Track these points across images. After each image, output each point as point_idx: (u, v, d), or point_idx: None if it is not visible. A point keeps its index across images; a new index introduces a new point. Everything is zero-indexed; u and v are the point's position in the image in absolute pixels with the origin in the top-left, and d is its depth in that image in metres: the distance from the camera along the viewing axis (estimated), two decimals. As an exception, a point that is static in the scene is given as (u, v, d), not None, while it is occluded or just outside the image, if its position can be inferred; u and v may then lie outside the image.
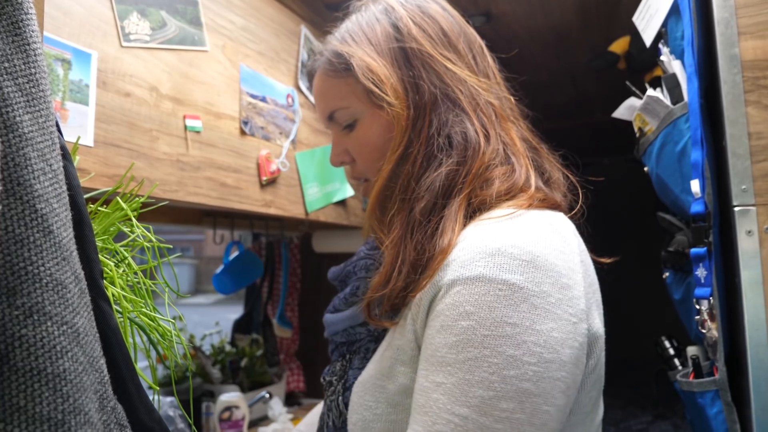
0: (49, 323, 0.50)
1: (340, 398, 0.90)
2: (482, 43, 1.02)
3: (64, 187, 0.58)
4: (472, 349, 0.70)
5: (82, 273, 0.58)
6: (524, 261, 0.74)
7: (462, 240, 0.79)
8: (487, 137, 0.91)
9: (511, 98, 1.02)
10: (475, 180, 0.86)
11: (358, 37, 0.97)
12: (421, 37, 0.94)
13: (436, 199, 0.85)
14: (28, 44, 0.56)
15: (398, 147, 0.91)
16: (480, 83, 0.95)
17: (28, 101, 0.54)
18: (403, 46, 0.94)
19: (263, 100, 1.68)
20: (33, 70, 0.56)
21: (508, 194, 0.85)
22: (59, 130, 0.62)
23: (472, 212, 0.85)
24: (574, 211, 0.91)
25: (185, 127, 1.40)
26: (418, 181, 0.88)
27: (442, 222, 0.83)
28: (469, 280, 0.73)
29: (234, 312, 3.29)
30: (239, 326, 2.81)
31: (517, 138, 0.95)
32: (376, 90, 0.91)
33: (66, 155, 0.62)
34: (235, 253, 2.40)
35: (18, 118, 0.52)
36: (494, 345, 0.69)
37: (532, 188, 0.87)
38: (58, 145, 0.58)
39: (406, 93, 0.92)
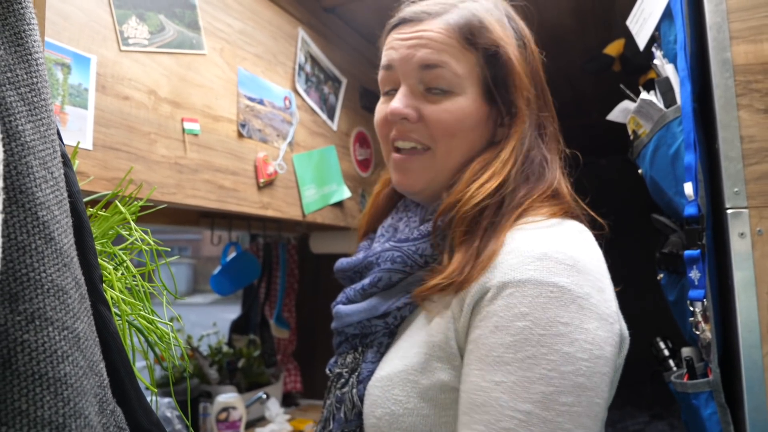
0: (50, 328, 0.51)
1: (354, 391, 0.91)
2: None
3: (65, 194, 0.59)
4: (530, 347, 0.73)
5: (83, 278, 0.59)
6: (568, 265, 0.78)
7: (508, 244, 0.82)
8: (553, 166, 0.96)
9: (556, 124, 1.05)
10: (535, 200, 0.91)
11: (498, 28, 0.96)
12: (537, 55, 0.99)
13: (505, 212, 0.89)
14: (30, 54, 0.57)
15: (510, 155, 0.93)
16: (552, 112, 1.01)
17: (30, 110, 0.55)
18: (528, 58, 0.98)
19: (261, 102, 1.69)
20: (35, 80, 0.57)
21: (546, 207, 0.91)
22: (60, 138, 0.63)
23: (516, 218, 0.89)
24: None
25: (183, 130, 1.41)
26: (511, 194, 0.91)
27: (498, 228, 0.86)
28: (521, 283, 0.77)
29: (231, 312, 3.29)
30: (237, 327, 2.82)
31: (562, 167, 0.99)
32: (513, 89, 0.95)
33: (66, 162, 0.63)
34: (232, 254, 2.41)
35: (20, 127, 0.53)
36: (550, 343, 0.73)
37: (567, 198, 0.94)
38: (59, 153, 0.59)
39: (528, 105, 0.96)
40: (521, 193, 0.91)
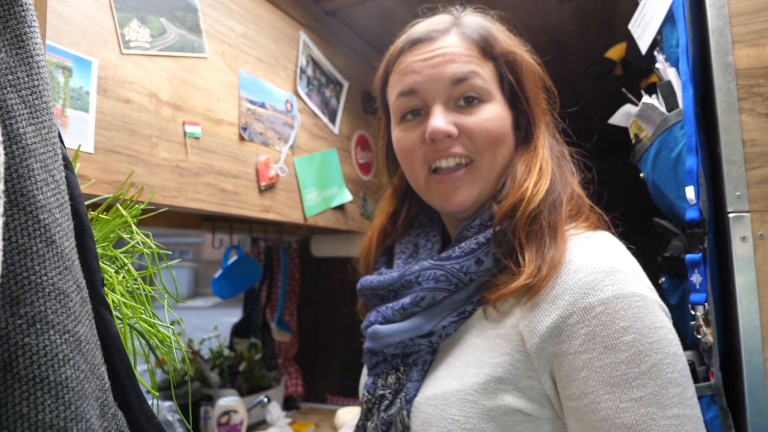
0: (51, 332, 0.51)
1: (404, 412, 0.89)
2: None
3: (66, 197, 0.59)
4: (648, 357, 0.77)
5: (84, 281, 0.59)
6: (631, 273, 0.83)
7: (571, 259, 0.85)
8: (569, 168, 1.00)
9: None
10: (569, 203, 0.95)
11: (507, 38, 1.00)
12: (539, 65, 1.04)
13: (560, 216, 0.92)
14: (32, 57, 0.57)
15: (546, 153, 0.98)
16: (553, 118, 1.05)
17: (31, 113, 0.55)
18: (539, 66, 1.04)
19: (262, 106, 1.69)
20: (36, 82, 0.57)
21: (581, 220, 0.96)
22: (61, 141, 0.63)
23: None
24: None
25: (185, 134, 1.41)
26: (559, 191, 0.94)
27: (556, 229, 0.90)
28: (607, 300, 0.79)
29: (232, 315, 3.29)
30: (238, 330, 2.82)
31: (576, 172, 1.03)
32: (533, 94, 1.00)
33: (68, 165, 0.63)
34: (233, 258, 2.41)
35: (21, 130, 0.53)
36: (660, 348, 0.78)
37: (595, 215, 0.98)
38: (60, 156, 0.59)
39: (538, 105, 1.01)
40: (562, 191, 0.95)
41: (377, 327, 0.97)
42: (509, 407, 0.82)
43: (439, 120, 0.92)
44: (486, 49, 0.96)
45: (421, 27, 0.99)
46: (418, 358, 0.93)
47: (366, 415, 0.97)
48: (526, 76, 0.98)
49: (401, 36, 1.02)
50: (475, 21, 0.99)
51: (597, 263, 0.83)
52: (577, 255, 0.85)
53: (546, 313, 0.82)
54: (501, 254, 0.90)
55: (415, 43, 0.97)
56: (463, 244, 0.93)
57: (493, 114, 0.94)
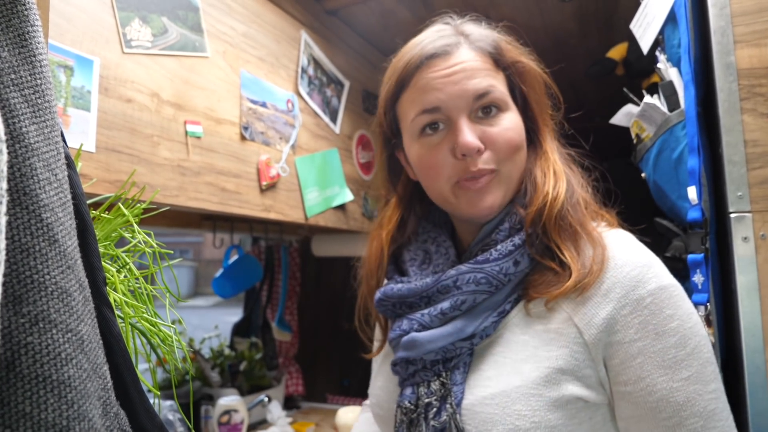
0: (54, 331, 0.51)
1: (457, 416, 0.89)
2: None
3: (69, 197, 0.59)
4: (690, 341, 0.86)
5: (86, 281, 0.59)
6: (661, 265, 0.91)
7: (614, 254, 0.92)
8: (578, 171, 1.05)
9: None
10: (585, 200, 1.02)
11: (511, 47, 1.03)
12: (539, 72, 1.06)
13: (586, 215, 0.99)
14: (34, 56, 0.57)
15: (556, 156, 1.03)
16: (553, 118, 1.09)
17: (34, 112, 0.55)
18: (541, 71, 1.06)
19: (263, 105, 1.69)
20: (39, 81, 0.57)
21: (598, 214, 1.02)
22: (64, 140, 0.63)
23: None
24: None
25: (186, 133, 1.41)
26: (573, 190, 1.00)
27: (585, 229, 0.96)
28: (653, 291, 0.87)
29: (233, 314, 3.29)
30: (238, 329, 2.82)
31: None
32: (541, 101, 1.04)
33: (70, 164, 0.63)
34: (234, 257, 2.41)
35: (24, 129, 0.53)
36: (698, 331, 0.87)
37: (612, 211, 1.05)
38: (63, 155, 0.59)
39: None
40: (579, 191, 1.01)
41: (415, 335, 0.96)
42: (572, 396, 0.87)
43: (470, 135, 0.93)
44: (498, 60, 0.99)
45: (429, 40, 0.99)
46: (460, 361, 0.94)
47: (408, 428, 0.96)
48: (533, 84, 1.02)
49: (407, 50, 1.01)
50: (483, 33, 1.01)
51: (636, 258, 0.90)
52: (617, 251, 0.92)
53: (600, 306, 0.88)
54: (537, 255, 0.95)
55: (430, 58, 0.97)
56: (499, 247, 0.95)
57: (512, 123, 0.97)
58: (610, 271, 0.90)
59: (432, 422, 0.91)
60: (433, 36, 1.00)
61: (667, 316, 0.86)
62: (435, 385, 0.94)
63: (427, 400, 0.93)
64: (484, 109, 0.96)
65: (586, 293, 0.89)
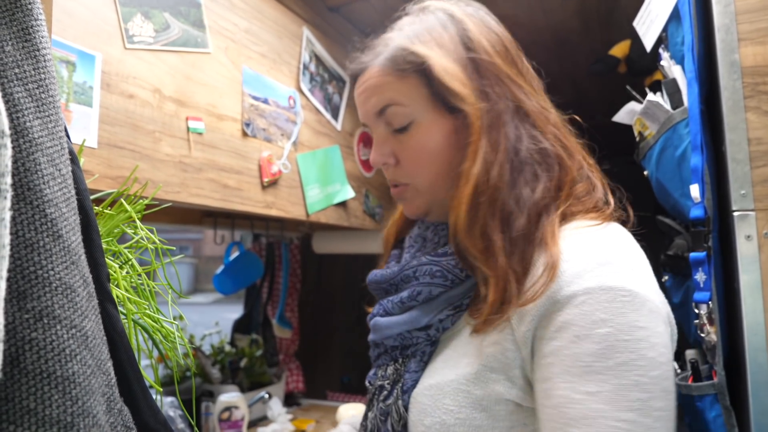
0: (58, 327, 0.51)
1: (400, 402, 0.90)
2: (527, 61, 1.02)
3: (73, 192, 0.58)
4: (618, 354, 0.72)
5: (90, 277, 0.59)
6: (630, 268, 0.78)
7: (565, 252, 0.81)
8: (567, 152, 0.93)
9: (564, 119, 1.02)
10: (569, 195, 0.89)
11: (425, 39, 0.94)
12: (490, 50, 0.95)
13: (535, 213, 0.87)
14: (38, 50, 0.57)
15: (475, 154, 0.89)
16: (543, 100, 0.97)
17: (37, 107, 0.55)
18: (474, 57, 0.93)
19: (265, 101, 1.69)
20: (42, 76, 0.56)
21: (595, 209, 0.90)
22: (67, 135, 0.63)
23: (561, 221, 0.88)
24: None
25: (188, 129, 1.40)
26: (510, 193, 0.88)
27: (543, 236, 0.84)
28: (591, 290, 0.75)
29: (233, 311, 3.29)
30: (239, 326, 2.82)
31: (586, 154, 0.98)
32: (456, 92, 0.90)
33: (74, 159, 0.62)
34: (235, 254, 2.41)
35: (28, 124, 0.53)
36: (636, 348, 0.72)
37: (611, 206, 0.91)
38: (66, 150, 0.59)
39: (478, 101, 0.91)
40: (537, 190, 0.88)
41: (378, 319, 0.98)
42: (500, 397, 0.81)
43: (373, 152, 0.99)
44: (401, 66, 0.94)
45: (359, 58, 1.02)
46: (416, 350, 0.93)
47: (368, 406, 0.99)
48: (443, 76, 0.92)
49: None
50: (398, 38, 0.97)
51: (590, 253, 0.80)
52: (571, 245, 0.82)
53: (538, 303, 0.80)
54: (469, 270, 0.90)
55: (354, 76, 1.03)
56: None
57: (415, 140, 0.95)
58: (561, 266, 0.80)
59: (380, 404, 0.94)
60: (370, 46, 1.01)
61: (598, 320, 0.74)
62: (390, 370, 0.96)
63: (379, 383, 0.96)
64: (396, 128, 0.96)
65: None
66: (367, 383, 1.00)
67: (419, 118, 0.94)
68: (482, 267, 0.86)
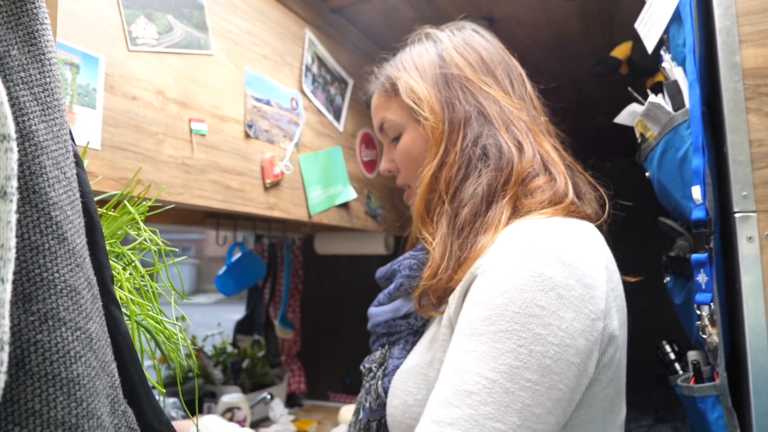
0: (63, 329, 0.51)
1: (379, 383, 1.01)
2: (522, 72, 1.17)
3: (78, 195, 0.59)
4: (503, 322, 0.78)
5: (95, 278, 0.59)
6: (554, 256, 0.82)
7: (500, 238, 0.89)
8: (520, 149, 1.03)
9: (547, 120, 1.15)
10: (516, 187, 0.98)
11: (408, 65, 1.14)
12: (462, 64, 1.10)
13: (480, 204, 0.97)
14: (44, 54, 0.57)
15: (434, 156, 1.05)
16: (513, 103, 1.09)
17: (43, 110, 0.55)
18: (445, 72, 1.10)
19: (267, 103, 1.69)
20: (48, 80, 0.57)
21: (550, 203, 0.96)
22: (72, 138, 0.64)
23: (514, 215, 0.96)
24: (599, 221, 1.02)
25: (190, 131, 1.41)
26: (459, 187, 1.01)
27: (486, 224, 0.94)
28: (504, 266, 0.82)
29: (235, 312, 3.30)
30: (241, 327, 2.82)
31: (552, 150, 1.06)
32: (415, 107, 1.08)
33: (79, 162, 0.63)
34: (237, 255, 2.42)
35: (33, 127, 0.53)
36: (524, 321, 0.77)
37: (569, 199, 0.97)
38: (71, 153, 0.59)
39: (442, 110, 1.07)
40: (481, 183, 0.99)
41: (371, 309, 1.12)
42: None
43: (382, 162, 1.21)
44: (388, 88, 1.16)
45: (370, 86, 1.24)
46: (400, 338, 1.05)
47: (362, 386, 1.09)
48: (404, 94, 1.11)
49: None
50: (388, 65, 1.19)
51: (517, 238, 0.86)
52: (507, 232, 0.89)
53: (463, 280, 0.88)
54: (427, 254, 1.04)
55: (369, 100, 1.24)
56: None
57: (402, 145, 1.14)
58: (490, 248, 0.89)
59: (366, 384, 1.05)
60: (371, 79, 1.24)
61: (496, 291, 0.80)
62: (378, 354, 1.07)
63: (368, 366, 1.07)
64: (392, 139, 1.17)
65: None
66: (361, 367, 1.10)
67: (405, 129, 1.13)
68: (430, 250, 0.99)
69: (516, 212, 0.95)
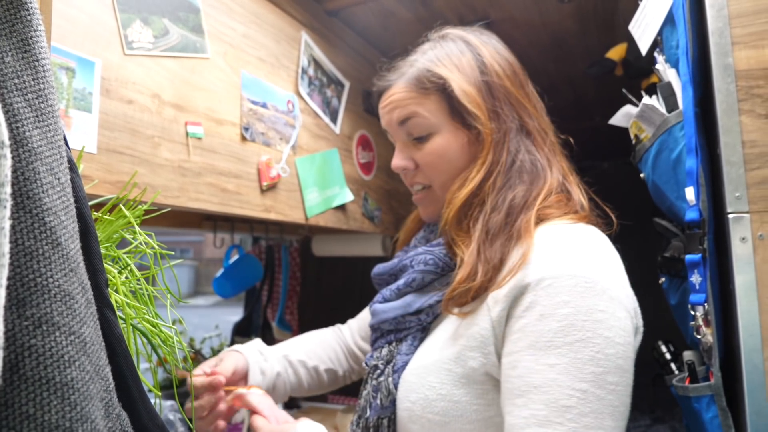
0: (57, 333, 0.52)
1: (390, 380, 1.01)
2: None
3: (72, 200, 0.59)
4: (576, 332, 0.82)
5: (89, 283, 0.60)
6: (595, 260, 0.88)
7: (537, 244, 0.93)
8: (551, 168, 1.08)
9: (554, 132, 1.18)
10: (543, 201, 1.02)
11: (447, 64, 1.10)
12: (502, 74, 1.10)
13: (513, 213, 1.00)
14: (37, 60, 0.57)
15: (482, 165, 1.06)
16: (543, 120, 1.13)
17: (37, 116, 0.56)
18: (488, 80, 1.09)
19: (264, 106, 1.70)
20: (42, 86, 0.57)
21: (569, 212, 1.02)
22: (66, 144, 0.64)
23: (538, 223, 1.00)
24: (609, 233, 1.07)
25: (187, 134, 1.41)
26: (496, 196, 1.03)
27: (518, 230, 0.97)
28: (558, 276, 0.86)
29: (233, 314, 3.30)
30: (239, 329, 2.82)
31: (567, 166, 1.12)
32: (472, 112, 1.07)
33: (73, 168, 0.63)
34: (235, 257, 2.42)
35: (27, 134, 0.54)
36: (593, 328, 0.82)
37: (585, 212, 1.05)
38: (65, 159, 0.60)
39: (490, 120, 1.07)
40: (517, 194, 1.02)
41: (376, 305, 1.11)
42: (479, 372, 0.91)
43: (395, 158, 1.17)
44: (423, 85, 1.10)
45: (386, 75, 1.19)
46: (408, 334, 1.05)
47: (363, 385, 1.10)
48: (462, 97, 1.07)
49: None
50: (421, 61, 1.13)
51: (558, 246, 0.91)
52: (543, 237, 0.94)
53: (510, 285, 0.90)
54: (452, 255, 1.04)
55: (379, 93, 1.20)
56: None
57: (435, 146, 1.10)
58: (531, 255, 0.92)
59: (373, 381, 1.05)
60: (395, 66, 1.19)
61: (560, 302, 0.84)
62: (384, 351, 1.07)
63: (374, 363, 1.08)
64: (416, 137, 1.12)
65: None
66: (363, 364, 1.11)
67: (439, 129, 1.10)
68: (460, 251, 1.00)
69: (540, 220, 1.00)
